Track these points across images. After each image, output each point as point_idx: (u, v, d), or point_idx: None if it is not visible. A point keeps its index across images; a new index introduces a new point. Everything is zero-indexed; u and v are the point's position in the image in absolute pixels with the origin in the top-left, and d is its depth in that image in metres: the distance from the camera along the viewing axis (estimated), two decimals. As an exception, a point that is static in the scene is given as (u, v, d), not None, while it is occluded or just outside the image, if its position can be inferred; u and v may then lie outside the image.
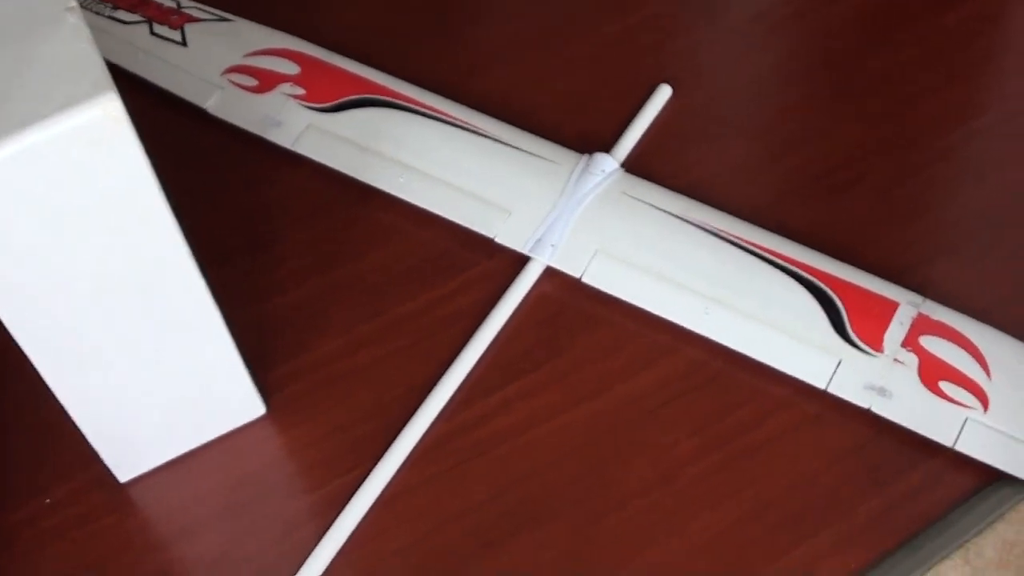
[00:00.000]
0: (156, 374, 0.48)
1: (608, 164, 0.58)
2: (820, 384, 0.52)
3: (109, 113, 0.40)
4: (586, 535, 0.50)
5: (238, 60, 0.63)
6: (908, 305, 0.54)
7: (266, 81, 0.62)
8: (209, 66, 0.63)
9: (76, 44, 0.41)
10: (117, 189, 0.42)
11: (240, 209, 0.60)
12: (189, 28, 0.64)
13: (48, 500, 0.52)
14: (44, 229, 0.41)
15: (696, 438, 0.52)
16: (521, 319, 0.56)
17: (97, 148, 0.40)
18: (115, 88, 0.40)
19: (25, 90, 0.40)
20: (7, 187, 0.40)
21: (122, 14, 0.65)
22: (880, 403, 0.51)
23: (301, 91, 0.61)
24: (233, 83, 0.62)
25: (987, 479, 0.51)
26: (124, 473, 0.52)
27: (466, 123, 0.60)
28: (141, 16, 0.65)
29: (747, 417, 0.53)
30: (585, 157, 0.58)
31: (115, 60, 0.62)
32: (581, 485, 0.51)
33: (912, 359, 0.52)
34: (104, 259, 0.43)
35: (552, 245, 0.56)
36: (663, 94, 0.62)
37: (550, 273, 0.56)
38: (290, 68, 0.62)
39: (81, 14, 0.42)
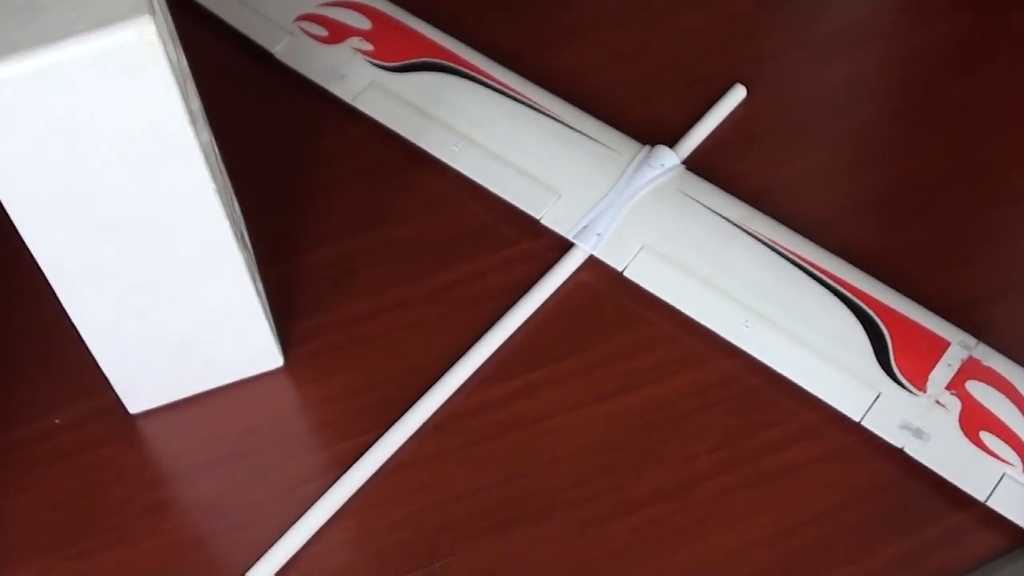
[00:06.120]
0: (172, 308, 0.48)
1: (669, 159, 0.56)
2: (855, 416, 0.50)
3: (144, 37, 0.39)
4: (587, 538, 0.49)
5: (312, 8, 0.62)
6: (959, 346, 0.51)
7: (336, 33, 0.61)
8: (282, 11, 0.62)
9: (122, -36, 0.40)
10: (145, 116, 0.41)
11: (291, 158, 0.59)
12: (268, -31, 0.63)
13: (57, 420, 0.52)
14: (69, 148, 0.41)
15: (719, 453, 0.50)
16: (556, 305, 0.54)
17: (128, 72, 0.39)
18: (153, 11, 0.39)
19: (63, 5, 0.39)
20: (32, 102, 0.39)
21: (202, -52, 0.64)
22: (915, 445, 0.49)
23: (369, 47, 0.60)
24: (304, 31, 0.61)
25: (1015, 542, 0.48)
26: (134, 404, 0.52)
27: (529, 99, 0.58)
28: (220, -47, 0.64)
29: (775, 439, 0.51)
30: (646, 148, 0.57)
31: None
32: (592, 485, 0.50)
33: (955, 403, 0.50)
34: (127, 186, 0.43)
35: (598, 234, 0.54)
36: (737, 94, 0.59)
37: (592, 263, 0.55)
38: (362, 23, 0.61)
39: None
